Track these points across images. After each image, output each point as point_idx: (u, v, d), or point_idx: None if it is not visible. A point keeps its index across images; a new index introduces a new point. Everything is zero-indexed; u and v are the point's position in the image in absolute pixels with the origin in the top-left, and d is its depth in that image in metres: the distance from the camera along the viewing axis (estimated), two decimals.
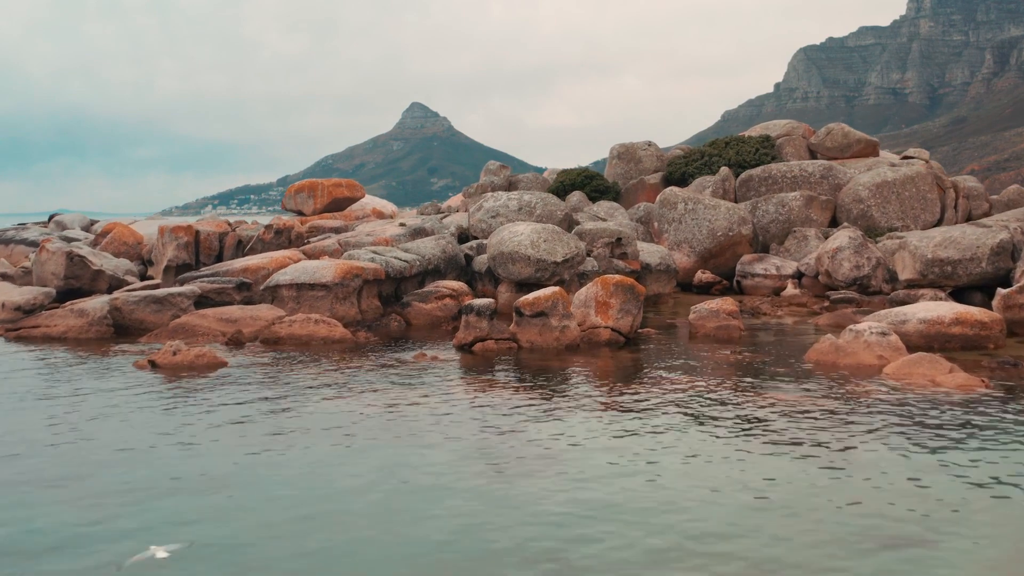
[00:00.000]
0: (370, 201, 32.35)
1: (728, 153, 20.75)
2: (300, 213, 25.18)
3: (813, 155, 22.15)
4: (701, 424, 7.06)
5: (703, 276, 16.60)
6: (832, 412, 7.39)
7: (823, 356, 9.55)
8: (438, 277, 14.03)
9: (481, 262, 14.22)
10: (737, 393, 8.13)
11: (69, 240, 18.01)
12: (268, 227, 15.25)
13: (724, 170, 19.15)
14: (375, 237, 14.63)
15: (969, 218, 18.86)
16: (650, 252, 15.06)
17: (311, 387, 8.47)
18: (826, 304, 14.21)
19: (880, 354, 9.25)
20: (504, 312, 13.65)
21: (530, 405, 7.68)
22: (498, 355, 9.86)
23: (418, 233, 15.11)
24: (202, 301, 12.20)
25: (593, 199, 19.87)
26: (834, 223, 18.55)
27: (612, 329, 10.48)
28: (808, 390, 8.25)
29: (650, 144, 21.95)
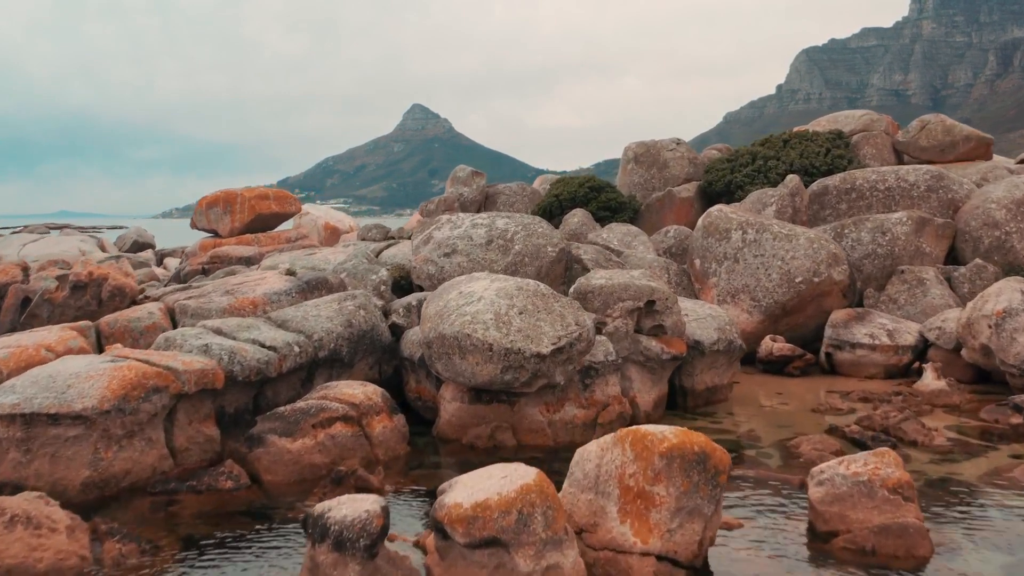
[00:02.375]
0: (320, 214, 26.45)
1: (789, 154, 14.84)
2: (215, 234, 19.15)
3: (899, 157, 16.26)
4: None
5: (775, 346, 10.67)
6: None
7: None
8: (339, 368, 8.10)
9: (414, 342, 8.30)
10: None
11: None
12: (62, 278, 9.08)
13: (792, 179, 13.20)
14: (237, 298, 8.62)
15: None
16: (701, 320, 9.07)
17: None
18: (1010, 414, 8.25)
19: None
20: (450, 444, 7.74)
21: None
22: None
23: (313, 288, 9.10)
24: None
25: (601, 220, 13.98)
26: (951, 257, 12.68)
27: (659, 557, 4.58)
28: None
29: (679, 143, 16.01)
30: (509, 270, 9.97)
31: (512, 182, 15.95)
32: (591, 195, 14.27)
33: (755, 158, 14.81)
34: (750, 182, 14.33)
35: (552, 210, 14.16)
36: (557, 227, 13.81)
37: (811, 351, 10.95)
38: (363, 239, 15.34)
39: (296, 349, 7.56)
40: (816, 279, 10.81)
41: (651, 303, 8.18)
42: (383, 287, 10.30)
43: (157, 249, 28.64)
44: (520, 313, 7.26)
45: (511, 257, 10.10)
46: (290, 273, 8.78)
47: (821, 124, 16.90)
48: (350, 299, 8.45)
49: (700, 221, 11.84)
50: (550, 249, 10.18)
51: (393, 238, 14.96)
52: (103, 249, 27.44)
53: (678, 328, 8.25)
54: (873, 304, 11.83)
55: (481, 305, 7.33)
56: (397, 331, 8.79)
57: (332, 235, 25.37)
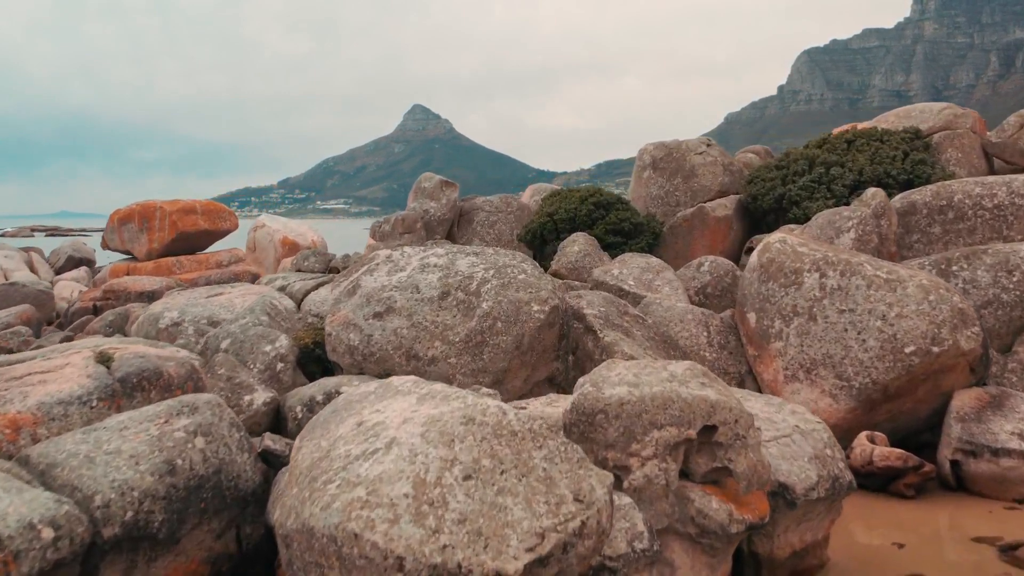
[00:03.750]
0: (277, 227, 22.86)
1: (856, 160, 11.24)
2: (131, 257, 15.55)
3: (990, 162, 12.72)
4: None
5: (877, 452, 7.05)
6: None
7: None
8: (150, 552, 4.49)
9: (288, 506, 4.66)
10: None
11: None
12: None
13: (877, 195, 9.57)
14: None
15: None
16: (783, 439, 5.43)
17: None
18: None
19: None
20: None
21: None
22: None
23: (134, 390, 5.42)
24: None
25: (610, 248, 10.41)
26: None
27: None
28: None
29: (709, 143, 12.38)
30: (472, 342, 6.40)
31: (495, 196, 12.37)
32: (596, 214, 10.67)
33: (812, 164, 11.22)
34: (808, 196, 10.74)
35: (545, 233, 10.58)
36: (550, 256, 10.21)
37: (916, 447, 7.39)
38: (299, 269, 11.74)
39: (49, 534, 3.97)
40: (936, 348, 7.20)
41: (710, 429, 4.59)
42: (282, 366, 6.72)
43: (97, 266, 25.05)
44: (466, 479, 3.66)
45: (475, 321, 6.52)
46: (103, 361, 5.25)
47: (888, 120, 13.29)
48: (184, 415, 4.84)
49: (755, 257, 8.22)
50: (536, 308, 6.58)
51: (337, 269, 11.37)
52: (31, 268, 23.87)
53: (756, 473, 4.63)
54: (999, 373, 8.25)
55: (390, 461, 3.73)
56: (275, 463, 5.20)
57: (291, 252, 21.79)
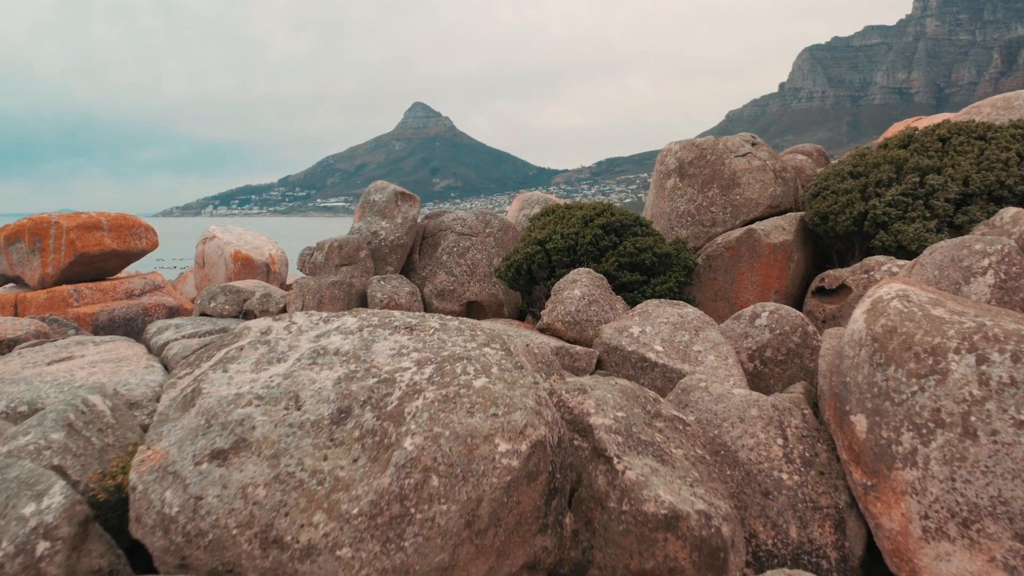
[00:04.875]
0: (230, 239, 19.83)
1: (959, 164, 8.22)
2: (21, 283, 12.59)
3: None
4: None
5: None
6: None
7: None
8: None
9: None
10: None
11: None
12: None
13: (1019, 217, 6.57)
14: None
15: None
16: None
17: None
18: None
19: None
20: None
21: None
22: None
23: None
24: None
25: (625, 288, 7.39)
26: None
27: None
28: None
29: (755, 142, 9.31)
30: (384, 515, 3.39)
31: (469, 211, 9.25)
32: (606, 240, 7.61)
33: (901, 170, 8.18)
34: (900, 216, 7.71)
35: (533, 269, 7.54)
36: (541, 302, 7.22)
37: None
38: (203, 312, 8.69)
39: None
40: None
41: None
42: (46, 550, 3.69)
43: None
44: None
45: (391, 475, 3.50)
46: None
47: (983, 112, 10.25)
48: None
49: (861, 323, 5.17)
50: (504, 450, 3.55)
51: (252, 313, 8.35)
52: None
53: None
54: None
55: None
56: None
57: (245, 269, 18.80)
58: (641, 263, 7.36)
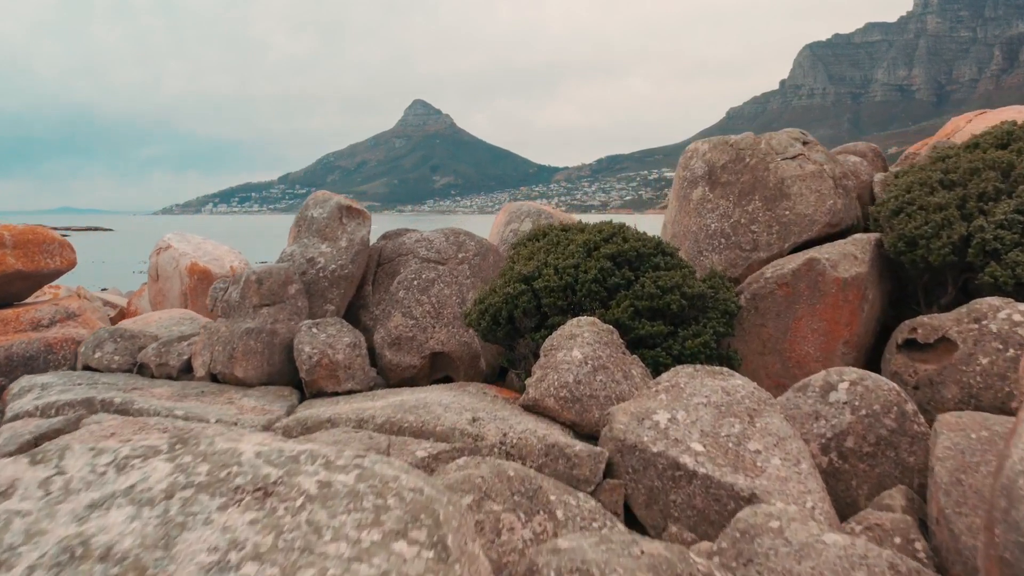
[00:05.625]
0: (187, 250, 17.76)
1: None
2: None
3: None
4: None
5: None
6: None
7: None
8: None
9: None
10: None
11: None
12: None
13: None
14: None
15: None
16: None
17: None
18: None
19: None
20: None
21: None
22: None
23: None
24: None
25: (646, 345, 5.33)
26: None
27: None
28: None
29: (806, 140, 7.20)
30: None
31: (436, 230, 7.11)
32: (617, 277, 5.49)
33: (1010, 173, 6.08)
34: (1018, 241, 5.62)
35: (516, 316, 5.43)
36: (526, 361, 5.15)
37: None
38: (86, 366, 6.58)
39: None
40: None
41: None
42: None
43: None
44: None
45: None
46: None
47: None
48: None
49: None
50: None
51: (147, 370, 6.25)
52: None
53: None
54: None
55: None
56: None
57: (202, 283, 16.73)
58: (665, 308, 5.28)
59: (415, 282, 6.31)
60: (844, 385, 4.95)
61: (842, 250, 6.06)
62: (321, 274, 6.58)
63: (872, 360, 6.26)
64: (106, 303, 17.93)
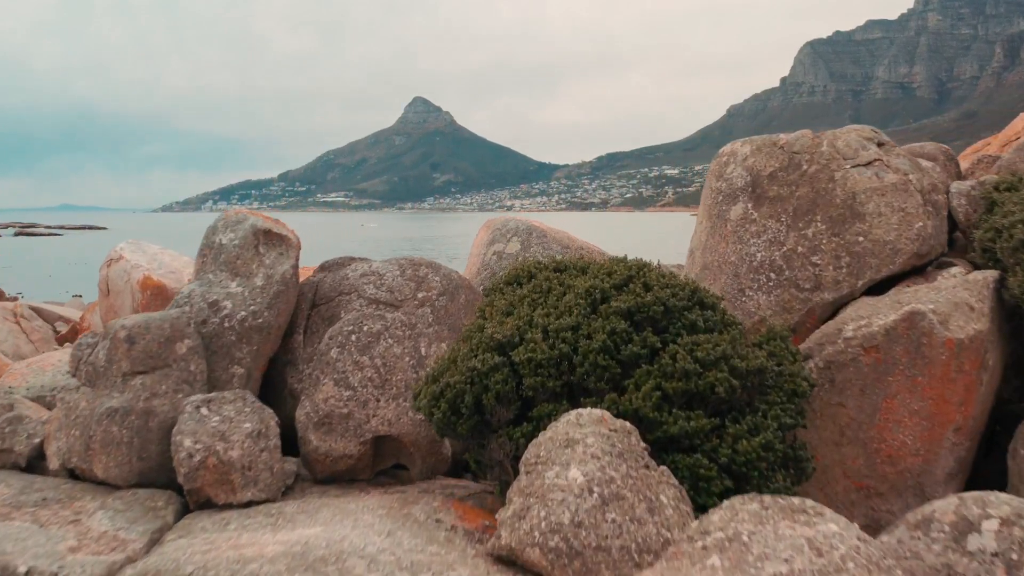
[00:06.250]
0: (140, 262, 15.85)
1: None
2: None
3: None
4: None
5: None
6: None
7: None
8: None
9: None
10: None
11: None
12: None
13: None
14: None
15: None
16: None
17: None
18: None
19: None
20: None
21: None
22: None
23: None
24: None
25: (678, 447, 3.59)
26: None
27: None
28: None
29: (881, 142, 5.45)
30: None
31: (389, 259, 5.35)
32: (635, 342, 3.69)
33: None
34: None
35: (487, 403, 3.64)
36: (509, 458, 3.31)
37: None
38: None
39: None
40: None
41: None
42: None
43: None
44: None
45: None
46: None
47: None
48: None
49: None
50: None
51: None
52: None
53: None
54: None
55: None
56: None
57: (157, 299, 14.92)
58: (707, 392, 3.53)
59: (353, 336, 4.53)
60: (992, 525, 3.18)
61: (951, 298, 4.27)
62: (227, 324, 4.80)
63: (988, 452, 4.49)
64: (59, 317, 16.07)
